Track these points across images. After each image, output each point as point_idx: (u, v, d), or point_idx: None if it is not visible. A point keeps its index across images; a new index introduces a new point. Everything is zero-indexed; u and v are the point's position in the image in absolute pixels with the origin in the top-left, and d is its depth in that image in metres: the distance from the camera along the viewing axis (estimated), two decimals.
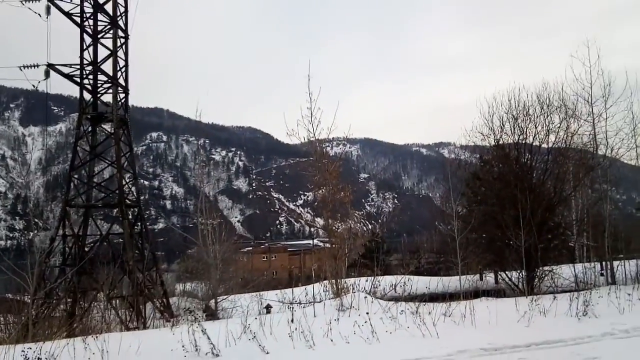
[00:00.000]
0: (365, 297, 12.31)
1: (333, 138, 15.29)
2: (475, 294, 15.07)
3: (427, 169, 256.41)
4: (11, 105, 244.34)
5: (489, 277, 20.89)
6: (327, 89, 14.85)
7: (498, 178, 19.33)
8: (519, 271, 17.72)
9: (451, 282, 17.97)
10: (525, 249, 16.01)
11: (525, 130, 18.60)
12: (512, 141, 18.91)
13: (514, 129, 18.71)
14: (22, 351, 7.90)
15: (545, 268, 18.20)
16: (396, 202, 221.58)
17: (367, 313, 9.81)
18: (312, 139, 14.32)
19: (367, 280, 15.06)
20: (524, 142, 18.69)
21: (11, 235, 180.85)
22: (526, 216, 16.13)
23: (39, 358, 7.83)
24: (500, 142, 19.15)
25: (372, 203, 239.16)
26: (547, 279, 17.92)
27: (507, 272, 18.60)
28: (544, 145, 18.81)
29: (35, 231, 17.25)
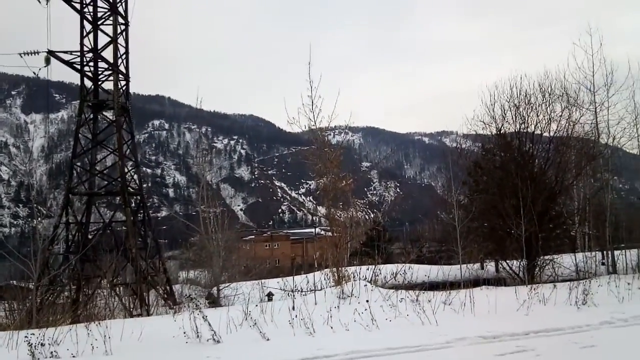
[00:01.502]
0: (366, 285, 12.40)
1: (335, 126, 15.30)
2: (475, 282, 15.12)
3: (429, 157, 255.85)
4: (13, 93, 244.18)
5: (490, 266, 20.95)
6: (328, 77, 14.84)
7: (499, 167, 19.30)
8: (519, 260, 17.76)
9: (452, 271, 18.04)
10: (526, 238, 16.03)
11: (526, 118, 18.52)
12: (513, 130, 18.84)
13: (516, 117, 18.63)
14: (26, 337, 7.99)
15: (546, 257, 18.24)
16: (398, 190, 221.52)
17: (367, 301, 9.88)
18: (313, 127, 14.33)
19: (368, 269, 15.14)
20: (525, 130, 18.61)
21: (15, 222, 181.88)
22: (527, 205, 16.12)
23: (42, 344, 7.92)
24: (502, 130, 19.06)
25: (374, 192, 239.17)
26: (548, 268, 17.97)
27: (507, 261, 18.65)
28: (546, 134, 18.76)
29: (39, 218, 17.33)
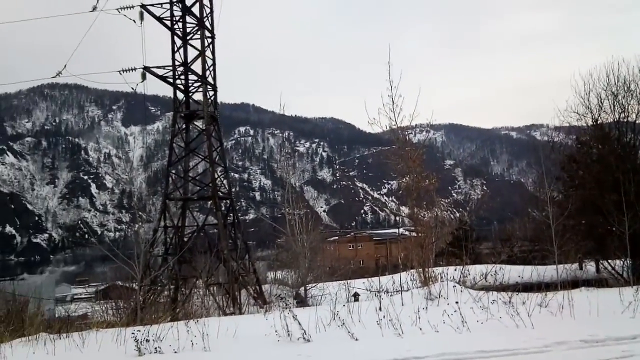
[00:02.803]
0: (455, 286, 12.08)
1: (415, 125, 15.04)
2: (574, 283, 14.22)
3: (517, 153, 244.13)
4: (113, 107, 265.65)
5: (590, 266, 19.62)
6: (408, 74, 14.65)
7: (597, 160, 18.04)
8: (623, 259, 16.48)
9: (547, 272, 17.08)
10: (630, 235, 14.85)
11: (626, 107, 17.18)
12: (612, 120, 17.55)
13: (614, 106, 17.33)
14: (132, 333, 8.66)
15: None
16: (485, 188, 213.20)
17: (457, 302, 9.64)
18: (394, 126, 14.20)
19: (455, 269, 14.74)
20: (625, 120, 17.26)
21: (119, 227, 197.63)
22: (630, 200, 14.93)
23: (147, 339, 8.54)
24: (599, 121, 17.82)
25: (459, 190, 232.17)
26: None
27: (609, 261, 17.36)
28: None
29: (140, 223, 18.72)
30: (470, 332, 8.79)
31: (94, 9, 23.99)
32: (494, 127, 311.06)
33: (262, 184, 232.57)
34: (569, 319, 9.57)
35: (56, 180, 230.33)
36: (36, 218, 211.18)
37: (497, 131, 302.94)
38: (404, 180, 14.49)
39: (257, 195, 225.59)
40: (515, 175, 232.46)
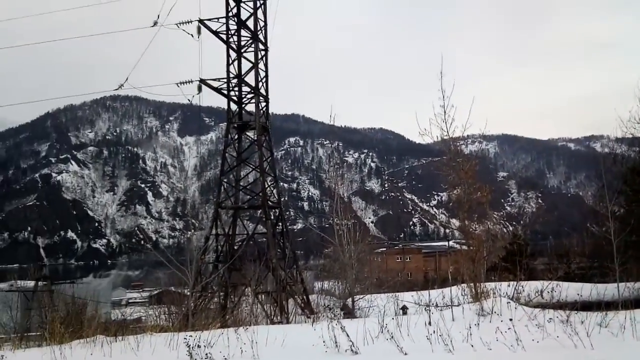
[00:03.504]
0: (508, 302, 11.68)
1: (468, 135, 14.78)
2: (636, 303, 13.44)
3: (575, 165, 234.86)
4: (170, 118, 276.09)
5: None
6: (461, 84, 14.46)
7: None
8: None
9: (607, 290, 16.21)
10: None
11: None
12: None
13: None
14: (185, 338, 8.86)
15: None
16: (540, 202, 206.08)
17: (511, 319, 9.31)
18: (445, 137, 13.99)
19: (509, 285, 14.26)
20: None
21: (172, 234, 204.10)
22: None
23: (198, 345, 8.71)
24: None
25: (513, 203, 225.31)
26: None
27: None
28: None
29: (193, 231, 19.27)
30: (525, 351, 8.45)
31: (155, 24, 25.02)
32: (550, 138, 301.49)
33: (310, 193, 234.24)
34: (631, 340, 9.04)
35: (115, 187, 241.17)
36: (96, 224, 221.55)
37: (553, 142, 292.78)
38: (455, 192, 14.21)
39: (306, 205, 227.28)
40: (573, 189, 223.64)
